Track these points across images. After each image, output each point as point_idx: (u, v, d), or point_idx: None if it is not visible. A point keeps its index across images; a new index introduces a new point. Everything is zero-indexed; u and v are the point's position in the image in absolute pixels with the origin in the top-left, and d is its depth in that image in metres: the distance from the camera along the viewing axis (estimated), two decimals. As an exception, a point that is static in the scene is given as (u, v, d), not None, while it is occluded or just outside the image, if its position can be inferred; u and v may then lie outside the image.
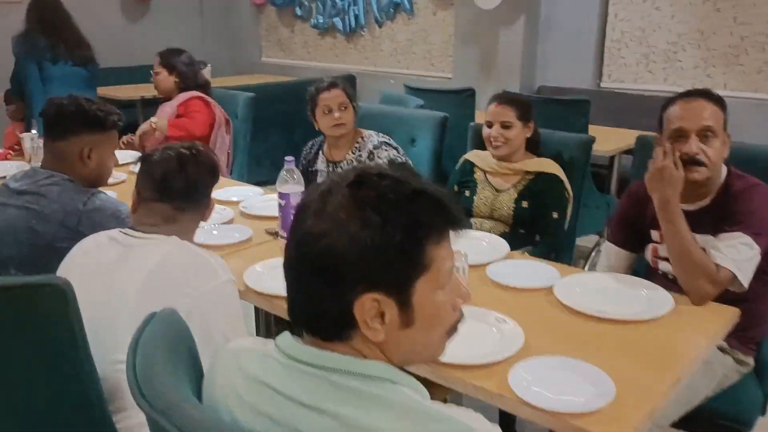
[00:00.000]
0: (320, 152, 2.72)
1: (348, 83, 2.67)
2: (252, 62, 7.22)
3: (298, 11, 6.71)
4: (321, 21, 6.53)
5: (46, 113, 1.84)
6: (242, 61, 7.17)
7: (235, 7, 7.16)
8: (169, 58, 3.30)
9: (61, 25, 3.96)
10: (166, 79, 3.31)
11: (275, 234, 2.10)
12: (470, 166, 2.44)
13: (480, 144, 2.47)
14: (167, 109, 3.26)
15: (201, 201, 1.51)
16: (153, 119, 3.21)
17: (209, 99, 3.32)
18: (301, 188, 2.00)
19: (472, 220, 2.35)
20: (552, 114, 3.19)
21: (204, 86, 3.37)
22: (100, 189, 1.91)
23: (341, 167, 2.63)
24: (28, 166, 2.91)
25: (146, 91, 5.70)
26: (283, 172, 2.00)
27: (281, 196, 1.97)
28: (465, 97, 3.63)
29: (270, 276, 1.76)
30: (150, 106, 5.80)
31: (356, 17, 6.27)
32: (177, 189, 1.45)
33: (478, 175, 2.41)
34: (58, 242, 1.75)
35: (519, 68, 5.01)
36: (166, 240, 1.40)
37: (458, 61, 5.53)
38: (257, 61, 7.25)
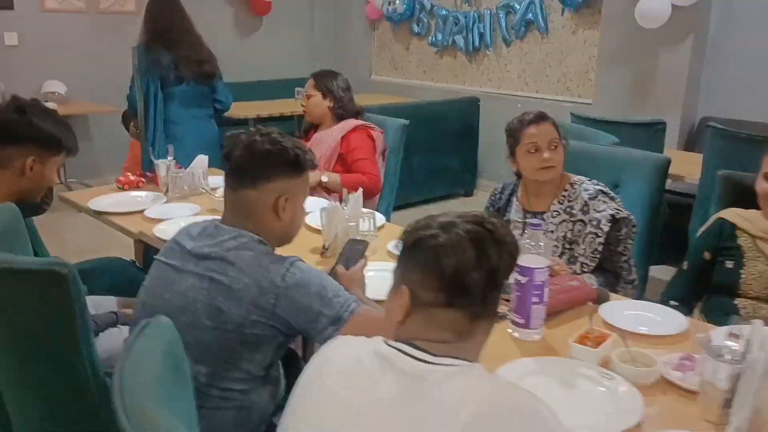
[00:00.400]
0: (513, 198, 2.23)
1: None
2: (361, 80, 6.83)
3: (415, 28, 6.30)
4: (440, 38, 6.10)
5: (231, 155, 1.43)
6: (350, 79, 6.78)
7: (348, 22, 6.83)
8: (327, 82, 2.90)
9: (183, 39, 3.59)
10: (319, 103, 2.90)
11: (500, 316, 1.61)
12: (730, 228, 1.89)
13: (737, 200, 1.92)
14: (329, 143, 2.83)
15: (497, 300, 1.03)
16: (323, 177, 2.72)
17: (371, 127, 2.90)
18: (548, 262, 1.51)
19: (739, 303, 1.80)
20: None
21: (360, 112, 2.96)
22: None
23: (544, 219, 2.12)
24: (165, 198, 2.56)
25: (260, 109, 5.42)
26: (524, 238, 1.51)
27: (521, 270, 1.48)
28: (654, 132, 3.07)
29: (532, 388, 1.27)
30: (263, 123, 5.50)
31: (481, 35, 5.80)
32: (477, 288, 0.97)
33: (744, 241, 1.86)
34: (247, 327, 1.31)
35: (682, 96, 4.40)
36: (473, 373, 0.93)
37: (602, 86, 4.96)
38: (366, 79, 6.88)
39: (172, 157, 2.69)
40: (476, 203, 5.59)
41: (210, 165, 2.83)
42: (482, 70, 5.90)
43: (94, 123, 5.45)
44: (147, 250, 2.49)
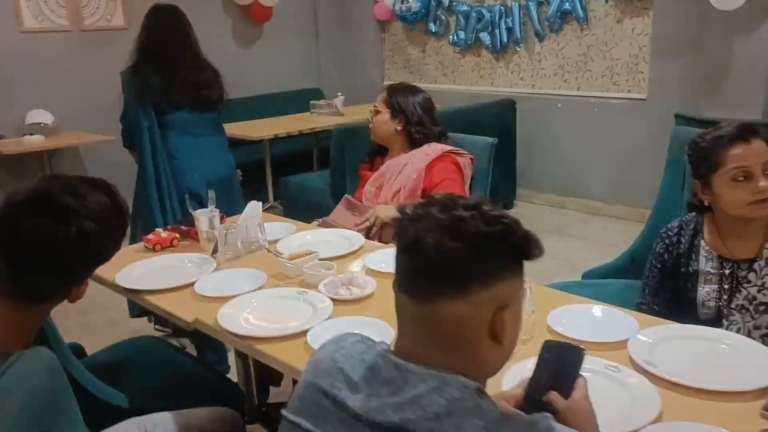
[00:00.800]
0: (699, 240, 1.66)
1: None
2: (372, 87, 6.25)
3: (432, 27, 5.73)
4: (462, 37, 5.54)
5: (417, 245, 0.83)
6: (361, 86, 6.22)
7: (355, 25, 6.24)
8: (401, 98, 2.33)
9: (179, 60, 2.87)
10: (385, 123, 2.35)
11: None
12: None
13: None
14: (409, 172, 2.25)
15: None
16: (408, 209, 2.09)
17: (459, 153, 2.32)
18: None
19: None
20: None
21: (443, 133, 2.39)
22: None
23: (757, 270, 1.56)
24: (213, 262, 1.95)
25: (275, 127, 4.79)
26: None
27: None
28: None
29: None
30: (281, 143, 4.89)
31: (509, 31, 5.25)
32: None
33: None
34: None
35: (763, 88, 3.87)
36: None
37: (657, 79, 4.45)
38: (379, 85, 6.28)
39: (214, 205, 2.09)
40: (518, 216, 5.00)
41: (227, 212, 2.28)
42: (512, 69, 5.35)
43: (86, 154, 4.80)
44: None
